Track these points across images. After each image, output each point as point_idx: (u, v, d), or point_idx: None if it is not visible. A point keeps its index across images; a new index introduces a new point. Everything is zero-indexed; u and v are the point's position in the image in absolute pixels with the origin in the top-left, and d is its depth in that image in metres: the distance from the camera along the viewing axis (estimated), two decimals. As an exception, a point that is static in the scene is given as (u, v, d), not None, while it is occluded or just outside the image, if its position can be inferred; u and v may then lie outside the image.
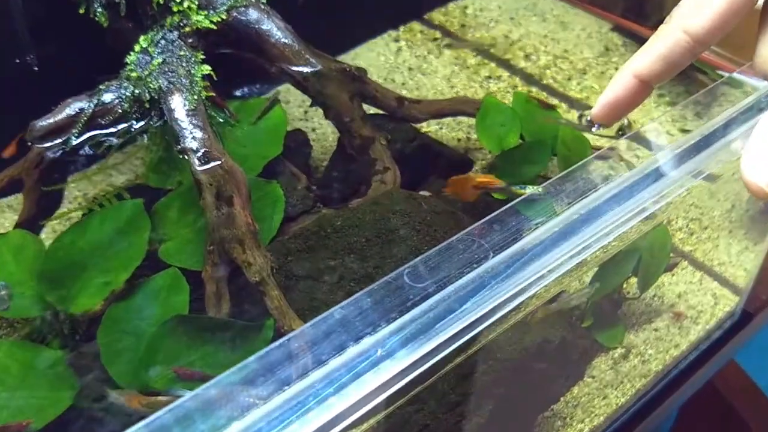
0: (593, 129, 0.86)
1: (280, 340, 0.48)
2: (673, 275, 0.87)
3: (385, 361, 0.47)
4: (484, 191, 0.77)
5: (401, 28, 1.26)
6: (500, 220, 0.60)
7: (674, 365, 0.95)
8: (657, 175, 0.65)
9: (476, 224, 0.59)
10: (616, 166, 0.71)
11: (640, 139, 0.79)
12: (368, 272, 0.72)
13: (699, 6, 0.58)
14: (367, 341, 0.48)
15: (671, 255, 0.84)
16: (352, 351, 0.47)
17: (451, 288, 0.53)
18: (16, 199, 0.90)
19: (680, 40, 0.59)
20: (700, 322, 0.94)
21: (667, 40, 0.59)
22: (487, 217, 0.60)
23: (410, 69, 1.18)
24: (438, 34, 1.25)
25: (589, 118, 0.85)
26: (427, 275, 0.54)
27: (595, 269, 0.75)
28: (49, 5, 0.91)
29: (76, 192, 0.92)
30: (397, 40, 1.23)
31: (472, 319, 0.51)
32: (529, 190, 0.58)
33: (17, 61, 0.93)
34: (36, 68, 0.93)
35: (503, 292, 0.53)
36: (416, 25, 1.27)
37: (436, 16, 1.30)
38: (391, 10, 1.25)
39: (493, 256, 0.56)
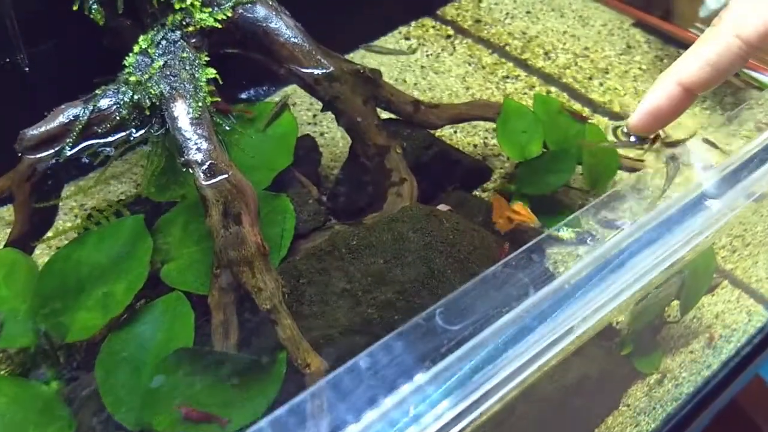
0: (632, 140, 0.81)
1: (300, 396, 0.42)
2: (713, 296, 0.82)
3: (418, 421, 0.42)
4: (516, 225, 0.71)
5: (413, 24, 1.20)
6: (539, 249, 0.55)
7: (704, 385, 0.91)
8: (708, 198, 0.60)
9: (513, 254, 0.54)
10: (660, 187, 0.66)
11: (684, 157, 0.74)
12: (387, 297, 0.67)
13: (754, 8, 0.52)
14: (396, 397, 0.43)
15: (714, 276, 0.80)
16: (374, 415, 0.41)
17: (489, 331, 0.48)
18: (8, 210, 0.85)
19: (732, 45, 0.53)
20: (732, 341, 0.89)
21: (716, 44, 0.54)
22: (525, 246, 0.55)
23: (422, 68, 1.12)
24: (451, 31, 1.19)
25: (625, 129, 0.79)
26: (462, 315, 0.48)
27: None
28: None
29: (72, 203, 0.86)
30: (408, 38, 1.17)
31: (514, 367, 0.46)
32: (564, 233, 0.53)
33: (7, 60, 0.86)
34: (27, 69, 0.87)
35: (547, 335, 0.48)
36: (428, 21, 1.21)
37: (449, 10, 1.23)
38: (402, 4, 1.19)
39: (534, 292, 0.51)
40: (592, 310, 0.50)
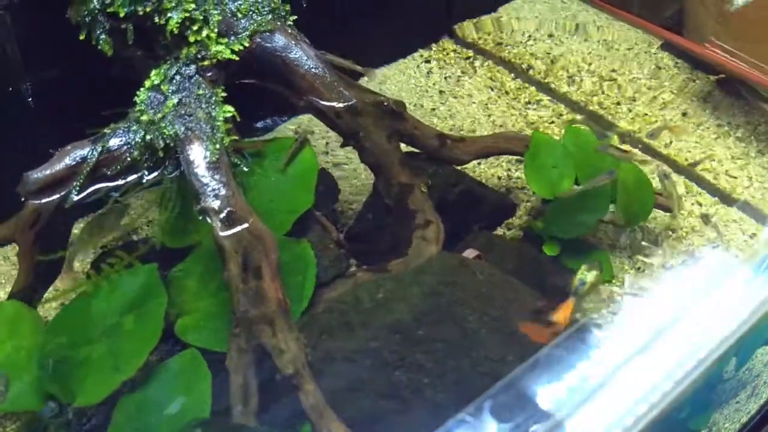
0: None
1: None
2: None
3: None
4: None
5: (432, 47, 1.15)
6: (590, 328, 0.51)
7: (741, 428, 0.87)
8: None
9: (569, 331, 0.50)
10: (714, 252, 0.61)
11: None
12: (416, 359, 0.62)
13: None
14: None
15: None
16: None
17: (549, 424, 0.43)
18: (14, 251, 0.80)
19: None
20: (773, 385, 0.86)
21: None
22: (574, 327, 0.51)
23: (441, 93, 1.07)
24: (471, 53, 1.14)
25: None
26: (516, 408, 0.44)
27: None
28: (47, 27, 0.80)
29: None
30: (428, 61, 1.12)
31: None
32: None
33: (10, 88, 0.82)
34: (30, 99, 0.82)
35: (621, 420, 0.44)
36: (448, 43, 1.16)
37: (469, 31, 1.18)
38: (421, 27, 1.14)
39: (588, 381, 0.47)
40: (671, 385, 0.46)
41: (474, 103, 1.06)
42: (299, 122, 0.99)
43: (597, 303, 0.69)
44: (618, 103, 1.06)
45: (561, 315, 0.63)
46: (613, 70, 1.12)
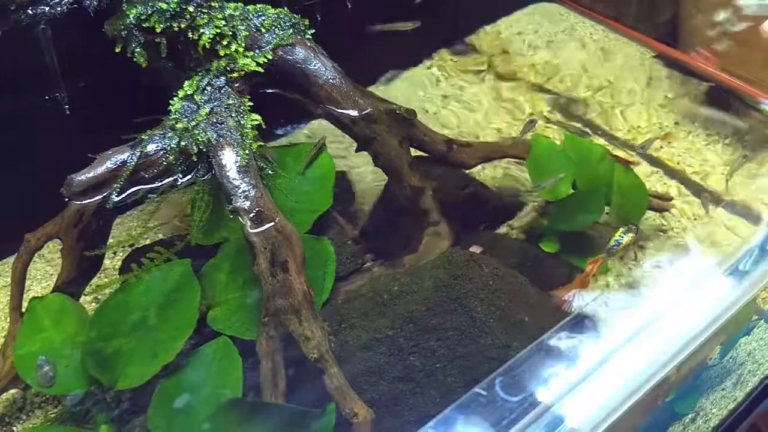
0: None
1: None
2: (749, 336, 0.84)
3: None
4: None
5: (435, 57, 1.21)
6: (591, 315, 0.57)
7: (728, 415, 0.93)
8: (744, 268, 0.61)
9: (568, 319, 0.56)
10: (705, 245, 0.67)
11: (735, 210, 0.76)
12: (430, 345, 0.68)
13: None
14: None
15: (753, 317, 0.82)
16: None
17: (546, 404, 0.49)
18: (47, 249, 0.86)
19: None
20: (758, 374, 0.91)
21: None
22: (577, 310, 0.57)
23: (446, 99, 1.13)
24: (474, 62, 1.20)
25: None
26: (523, 383, 0.50)
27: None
28: (82, 39, 0.86)
29: (112, 236, 0.87)
30: (430, 68, 1.19)
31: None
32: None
33: (47, 97, 0.87)
34: (66, 106, 0.88)
35: (614, 397, 0.50)
36: (451, 54, 1.22)
37: (472, 41, 1.25)
38: (425, 38, 1.20)
39: (586, 362, 0.52)
40: (644, 381, 0.51)
41: (478, 110, 1.12)
42: (311, 126, 1.05)
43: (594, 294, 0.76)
44: (613, 108, 1.13)
45: (592, 266, 0.70)
46: (609, 82, 1.18)
